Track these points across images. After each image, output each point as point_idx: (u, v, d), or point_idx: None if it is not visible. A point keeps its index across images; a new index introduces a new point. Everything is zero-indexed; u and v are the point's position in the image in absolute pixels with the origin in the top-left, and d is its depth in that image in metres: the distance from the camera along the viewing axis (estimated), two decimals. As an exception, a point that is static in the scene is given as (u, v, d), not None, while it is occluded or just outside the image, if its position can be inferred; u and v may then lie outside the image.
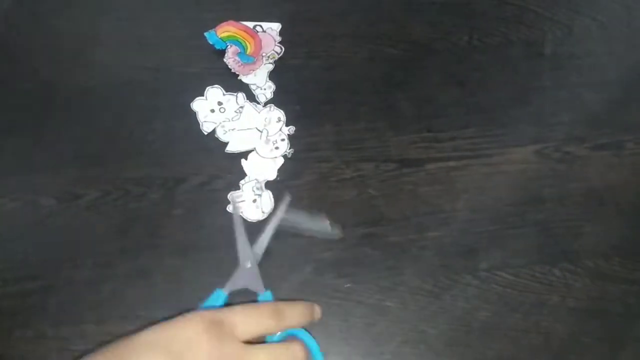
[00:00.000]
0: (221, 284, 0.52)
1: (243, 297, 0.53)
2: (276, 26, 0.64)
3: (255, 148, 0.59)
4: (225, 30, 0.61)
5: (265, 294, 0.52)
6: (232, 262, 0.53)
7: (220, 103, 0.60)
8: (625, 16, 0.66)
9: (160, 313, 0.52)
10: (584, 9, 0.66)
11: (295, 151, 0.59)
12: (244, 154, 0.59)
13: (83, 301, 0.53)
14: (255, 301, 0.52)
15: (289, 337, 0.50)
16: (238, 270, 0.53)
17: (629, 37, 0.65)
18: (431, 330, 0.53)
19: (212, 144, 0.59)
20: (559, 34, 0.65)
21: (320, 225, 0.56)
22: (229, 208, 0.56)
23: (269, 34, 0.63)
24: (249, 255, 0.54)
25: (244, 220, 0.55)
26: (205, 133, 0.59)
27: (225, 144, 0.59)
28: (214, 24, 0.62)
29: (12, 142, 0.59)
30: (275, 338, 0.50)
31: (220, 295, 0.52)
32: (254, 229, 0.55)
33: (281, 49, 0.63)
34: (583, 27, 0.65)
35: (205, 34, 0.61)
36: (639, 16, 0.66)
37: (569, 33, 0.65)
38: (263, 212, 0.56)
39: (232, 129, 0.59)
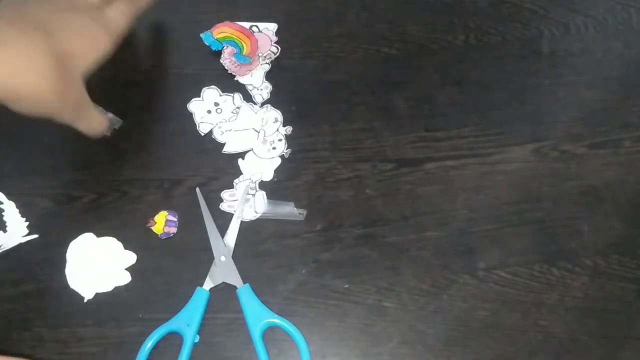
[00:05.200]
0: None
1: (223, 293, 0.53)
2: (272, 26, 0.63)
3: (252, 149, 0.59)
4: (221, 31, 0.61)
5: (245, 287, 0.53)
6: (230, 263, 0.53)
7: (216, 104, 0.60)
8: (622, 13, 0.66)
9: (158, 315, 0.52)
10: (580, 7, 0.66)
11: (292, 151, 0.59)
12: (241, 155, 0.58)
13: (80, 304, 0.53)
14: (234, 295, 0.53)
15: (274, 329, 0.52)
16: (214, 266, 0.54)
17: (626, 35, 0.65)
18: (429, 330, 0.53)
19: (209, 145, 0.59)
20: (556, 32, 0.65)
21: (286, 209, 0.56)
22: (221, 206, 0.56)
23: (265, 35, 0.63)
24: (222, 249, 0.54)
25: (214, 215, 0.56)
26: (202, 134, 0.59)
27: (222, 144, 0.59)
28: (209, 24, 0.62)
29: (8, 144, 0.59)
30: (257, 335, 0.51)
31: (202, 293, 0.52)
32: (248, 227, 0.56)
33: (277, 49, 0.63)
34: (580, 25, 0.65)
35: (201, 35, 0.61)
36: (636, 13, 0.66)
37: (566, 31, 0.65)
38: (256, 212, 0.56)
39: (229, 130, 0.59)
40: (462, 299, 0.54)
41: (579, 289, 0.55)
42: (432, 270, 0.55)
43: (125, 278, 0.54)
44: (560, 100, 0.62)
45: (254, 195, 0.57)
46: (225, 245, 0.54)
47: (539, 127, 0.61)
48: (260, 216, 0.56)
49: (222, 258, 0.54)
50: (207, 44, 0.60)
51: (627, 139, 0.60)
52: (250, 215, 0.56)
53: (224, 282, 0.53)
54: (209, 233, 0.55)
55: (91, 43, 0.48)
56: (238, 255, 0.55)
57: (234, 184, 0.57)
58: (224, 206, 0.56)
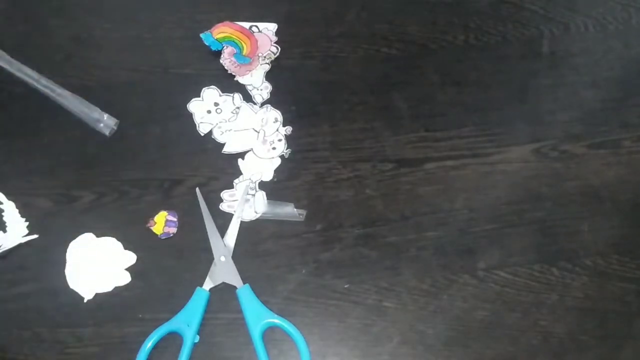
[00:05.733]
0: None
1: (223, 293, 0.53)
2: (272, 26, 0.63)
3: (252, 149, 0.59)
4: (221, 31, 0.61)
5: (244, 287, 0.53)
6: (230, 263, 0.53)
7: (216, 104, 0.60)
8: (622, 14, 0.66)
9: (158, 315, 0.52)
10: (580, 7, 0.66)
11: (292, 151, 0.59)
12: (241, 155, 0.58)
13: (80, 304, 0.53)
14: (234, 296, 0.53)
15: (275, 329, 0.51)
16: (214, 266, 0.54)
17: (626, 35, 0.65)
18: (429, 330, 0.53)
19: (209, 145, 0.59)
20: (556, 32, 0.65)
21: (286, 210, 0.56)
22: (221, 206, 0.56)
23: (265, 35, 0.63)
24: (222, 249, 0.54)
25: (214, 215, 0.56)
26: (202, 134, 0.59)
27: (222, 145, 0.59)
28: (209, 25, 0.61)
29: (8, 144, 0.59)
30: (257, 335, 0.51)
31: (202, 293, 0.52)
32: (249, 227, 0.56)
33: (277, 49, 0.63)
34: (580, 25, 0.65)
35: (201, 35, 0.61)
36: (636, 13, 0.66)
37: (566, 31, 0.65)
38: (256, 212, 0.56)
39: (229, 130, 0.59)
40: (462, 299, 0.54)
41: (579, 289, 0.55)
42: (432, 270, 0.55)
43: (125, 278, 0.54)
44: (560, 100, 0.62)
45: (253, 195, 0.57)
46: (225, 245, 0.55)
47: (539, 127, 0.61)
48: (260, 216, 0.56)
49: (222, 258, 0.54)
50: (207, 44, 0.60)
51: (627, 139, 0.60)
52: (250, 215, 0.56)
53: (223, 282, 0.53)
54: (208, 233, 0.55)
55: None
56: (238, 255, 0.55)
57: (234, 184, 0.57)
58: (223, 206, 0.56)
